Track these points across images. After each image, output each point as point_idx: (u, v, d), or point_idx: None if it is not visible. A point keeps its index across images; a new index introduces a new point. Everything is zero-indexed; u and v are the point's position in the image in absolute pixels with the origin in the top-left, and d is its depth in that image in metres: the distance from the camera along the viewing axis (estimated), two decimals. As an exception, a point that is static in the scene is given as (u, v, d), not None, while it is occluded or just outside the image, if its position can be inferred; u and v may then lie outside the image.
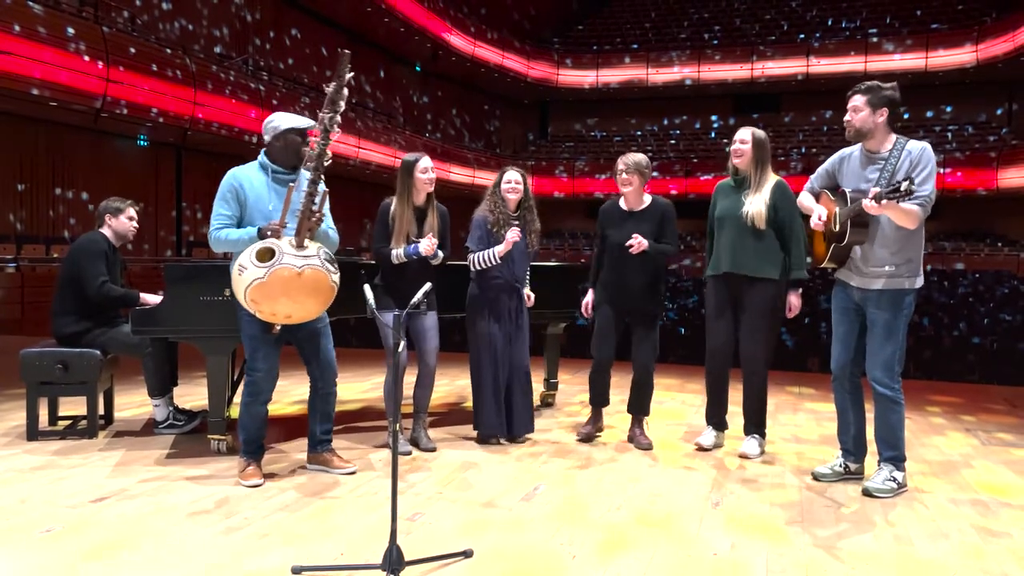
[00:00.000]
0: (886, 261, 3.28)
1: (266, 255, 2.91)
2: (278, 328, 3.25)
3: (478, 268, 4.01)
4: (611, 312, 4.13)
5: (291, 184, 3.19)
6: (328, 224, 3.37)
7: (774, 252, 3.83)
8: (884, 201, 3.01)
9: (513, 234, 3.88)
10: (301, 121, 3.32)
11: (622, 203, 4.14)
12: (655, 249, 3.96)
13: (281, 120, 3.32)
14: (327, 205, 3.27)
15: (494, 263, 3.95)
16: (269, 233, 3.09)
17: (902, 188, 2.93)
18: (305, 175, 3.25)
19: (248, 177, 3.31)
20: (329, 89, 3.07)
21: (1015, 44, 21.10)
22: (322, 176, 3.14)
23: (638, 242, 3.88)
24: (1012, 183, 21.51)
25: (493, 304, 4.02)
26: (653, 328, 4.11)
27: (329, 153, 3.13)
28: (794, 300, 3.85)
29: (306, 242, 3.04)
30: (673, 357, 8.02)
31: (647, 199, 4.11)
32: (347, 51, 3.08)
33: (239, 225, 3.27)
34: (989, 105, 24.52)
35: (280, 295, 2.89)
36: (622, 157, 4.07)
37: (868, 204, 3.06)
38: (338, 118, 3.10)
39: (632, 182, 4.02)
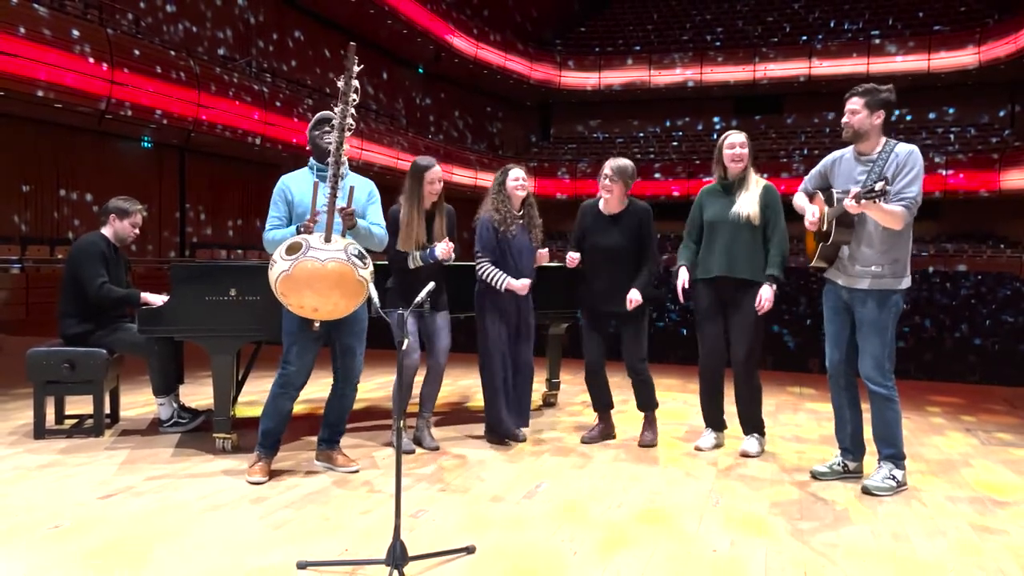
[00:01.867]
0: (873, 261, 3.31)
1: (294, 249, 2.99)
2: (317, 325, 3.29)
3: (484, 280, 4.04)
4: (596, 314, 4.15)
5: (315, 181, 3.28)
6: (371, 221, 3.47)
7: (764, 255, 3.85)
8: (863, 201, 3.06)
9: (522, 284, 3.98)
10: (329, 114, 3.43)
11: (601, 206, 4.14)
12: (648, 293, 4.04)
13: (316, 117, 3.51)
14: (378, 203, 3.47)
15: (498, 288, 3.98)
16: (303, 230, 3.18)
17: (876, 188, 2.99)
18: (328, 171, 3.32)
19: (295, 179, 3.46)
20: (340, 83, 3.13)
21: (1017, 46, 21.11)
22: (345, 170, 3.24)
23: (637, 301, 3.96)
24: (1014, 185, 21.51)
25: (498, 302, 4.04)
26: (640, 326, 4.11)
27: (347, 146, 3.21)
28: (766, 293, 3.76)
29: (335, 237, 3.09)
30: (673, 357, 8.03)
31: (625, 202, 4.12)
32: (352, 43, 3.13)
33: (289, 225, 3.40)
34: (991, 107, 24.53)
35: (304, 287, 2.95)
36: (609, 161, 4.09)
37: (848, 203, 3.13)
38: (351, 110, 3.16)
39: (614, 189, 4.04)
